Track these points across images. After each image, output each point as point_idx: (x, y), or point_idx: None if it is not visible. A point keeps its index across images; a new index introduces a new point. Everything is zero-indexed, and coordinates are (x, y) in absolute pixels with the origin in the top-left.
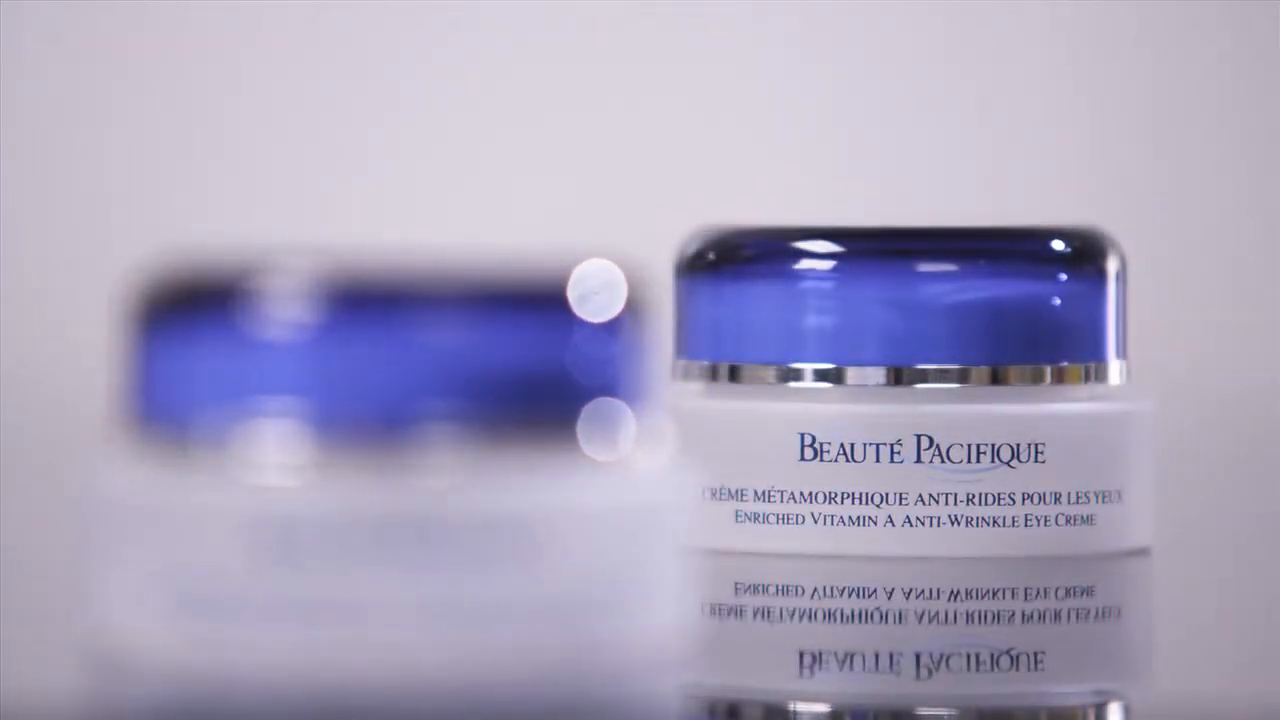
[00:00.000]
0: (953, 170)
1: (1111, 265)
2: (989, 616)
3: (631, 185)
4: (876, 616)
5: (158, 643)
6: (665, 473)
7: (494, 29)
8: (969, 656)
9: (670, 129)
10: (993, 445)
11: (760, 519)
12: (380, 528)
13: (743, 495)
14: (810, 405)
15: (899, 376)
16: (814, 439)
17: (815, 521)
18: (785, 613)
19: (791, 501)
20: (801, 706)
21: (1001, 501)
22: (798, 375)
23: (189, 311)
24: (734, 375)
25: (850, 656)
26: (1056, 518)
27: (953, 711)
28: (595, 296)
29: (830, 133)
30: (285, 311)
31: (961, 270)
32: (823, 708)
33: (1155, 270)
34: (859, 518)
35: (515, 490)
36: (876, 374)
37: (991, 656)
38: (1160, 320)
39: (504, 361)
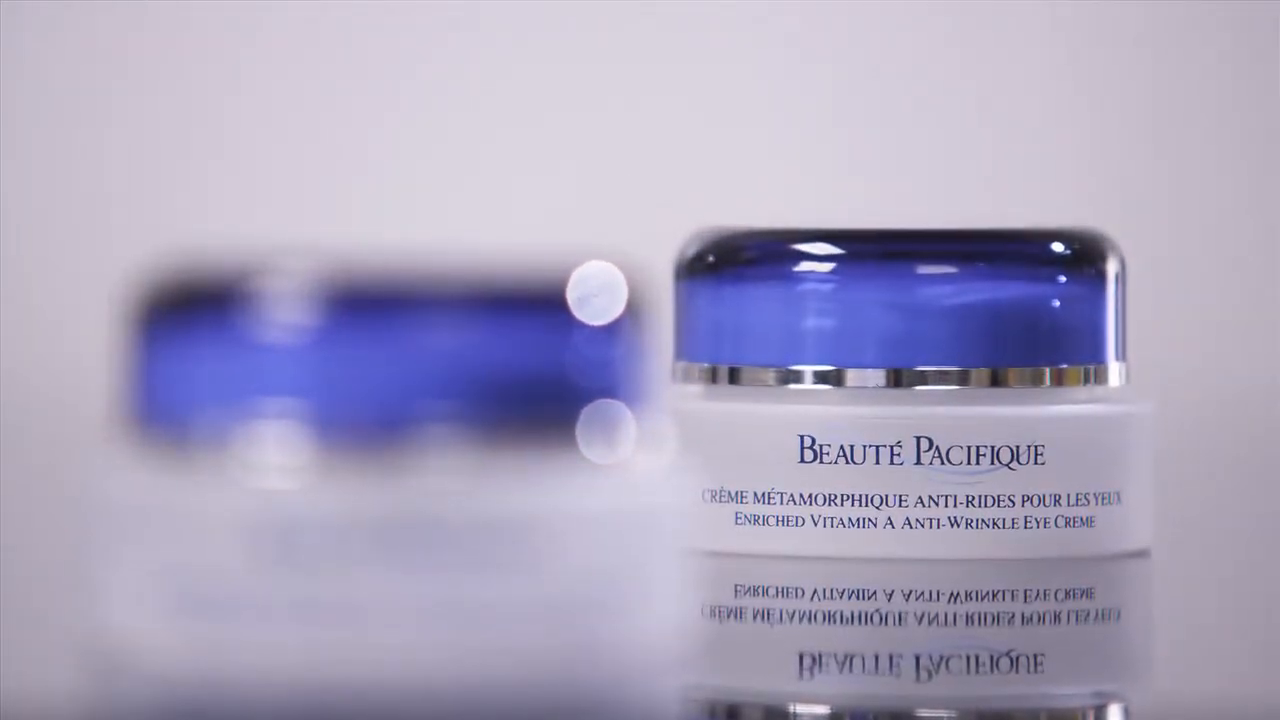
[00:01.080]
0: (952, 172)
1: (1111, 267)
2: (989, 618)
3: (631, 187)
4: (876, 618)
5: (158, 643)
6: (665, 475)
7: (494, 29)
8: (969, 658)
9: (670, 131)
10: (992, 447)
11: (760, 521)
12: (380, 529)
13: (742, 497)
14: (810, 407)
15: (899, 378)
16: (814, 441)
17: (815, 523)
18: (785, 614)
19: (791, 503)
20: (801, 708)
21: (1001, 503)
22: (797, 377)
23: (189, 313)
24: (734, 377)
25: (850, 658)
26: (1056, 519)
27: (952, 713)
28: (595, 298)
29: (830, 134)
30: (285, 313)
31: (961, 272)
32: (822, 709)
33: (1155, 272)
34: (859, 519)
35: (515, 492)
36: (876, 376)
37: (991, 658)
38: (1160, 322)
39: (504, 363)
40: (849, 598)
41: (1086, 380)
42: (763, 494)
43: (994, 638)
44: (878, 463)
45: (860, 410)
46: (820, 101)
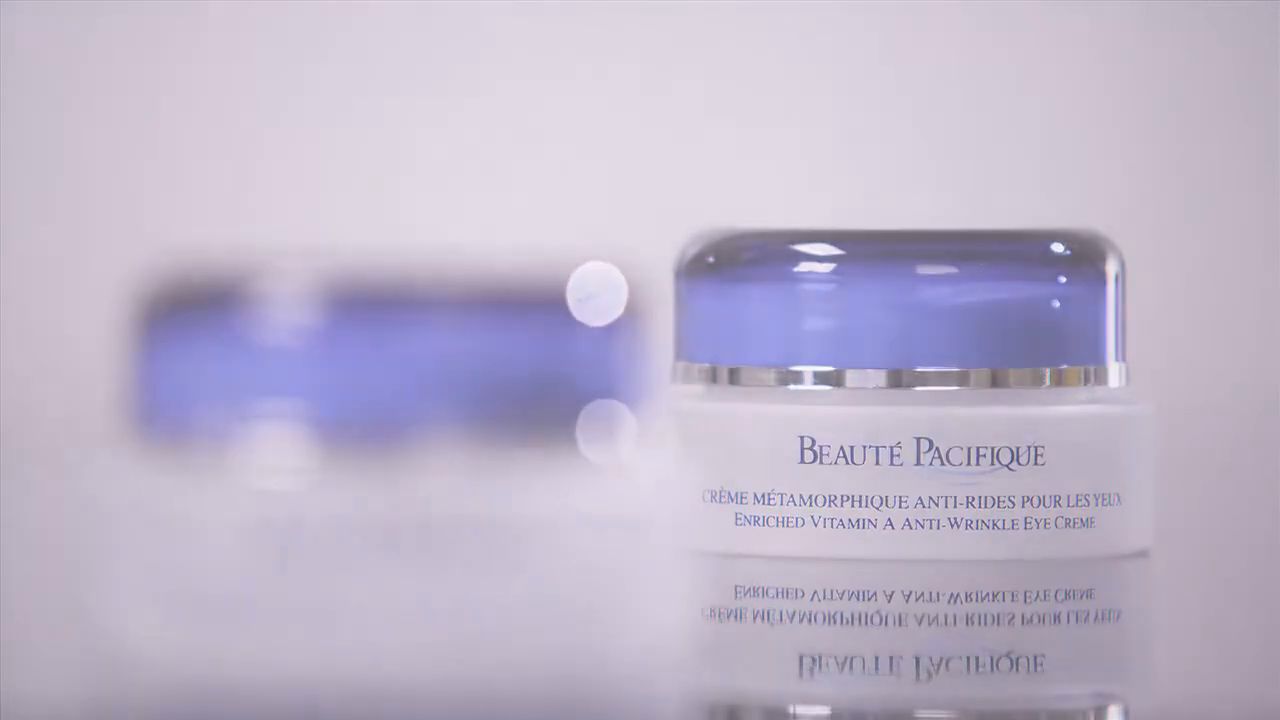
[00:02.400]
0: (952, 173)
1: (1111, 268)
2: (988, 619)
3: (632, 188)
4: (876, 619)
5: (158, 643)
6: (665, 475)
7: (494, 31)
8: (968, 659)
9: (670, 132)
10: (992, 448)
11: (760, 522)
12: (380, 530)
13: (742, 498)
14: (810, 408)
15: (899, 379)
16: (814, 441)
17: (815, 524)
18: (785, 615)
19: (791, 504)
20: (801, 709)
21: (1001, 504)
22: (797, 378)
23: (190, 314)
24: (734, 378)
25: (850, 659)
26: (1056, 520)
27: (952, 714)
28: (595, 299)
29: (830, 136)
30: (285, 314)
31: (961, 273)
32: (822, 710)
33: (1155, 272)
34: (859, 520)
35: (515, 493)
36: (876, 376)
37: (991, 659)
38: (1160, 323)
39: (504, 363)
40: (849, 599)
41: (1086, 381)
42: (763, 495)
43: (994, 639)
44: (878, 463)
45: (860, 411)
46: (820, 102)
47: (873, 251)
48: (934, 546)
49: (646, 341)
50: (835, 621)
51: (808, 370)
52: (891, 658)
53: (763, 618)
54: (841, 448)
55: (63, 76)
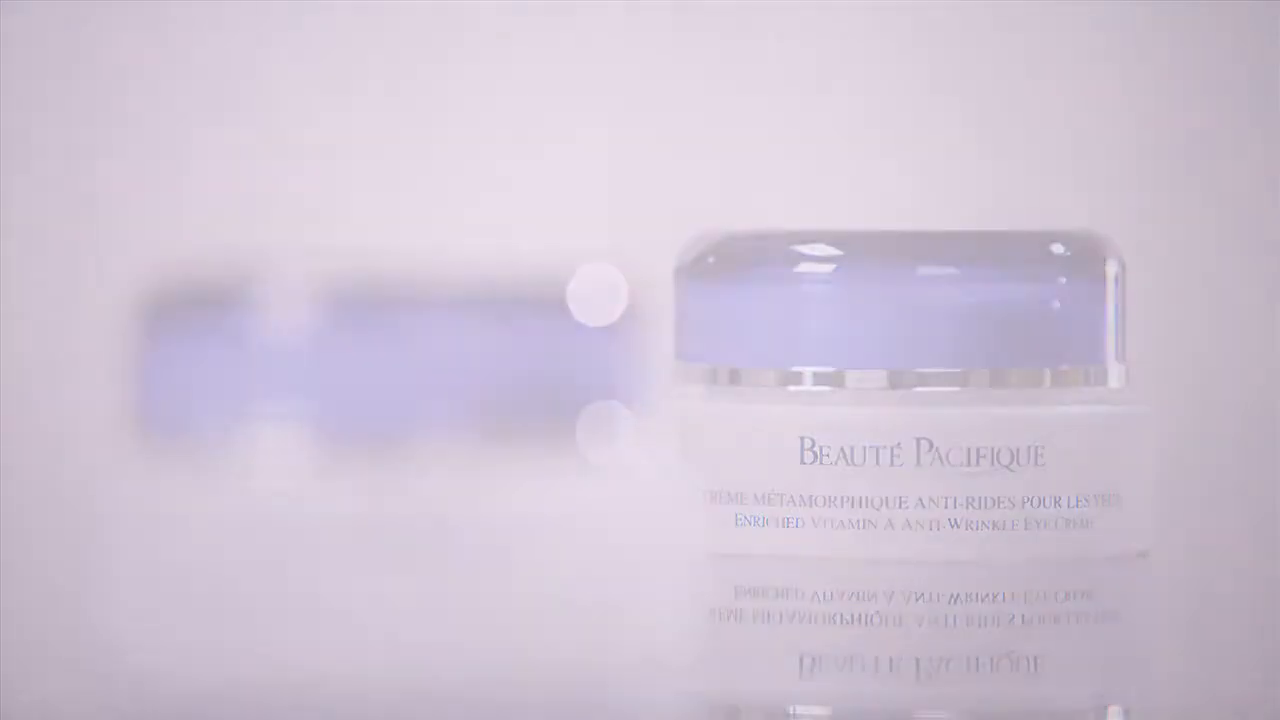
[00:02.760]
0: (952, 173)
1: (1111, 269)
2: (988, 620)
3: (632, 188)
4: (876, 620)
5: (158, 644)
6: (665, 476)
7: (495, 30)
8: (968, 660)
9: (670, 132)
10: (992, 448)
11: (760, 522)
12: (380, 531)
13: (743, 498)
14: (810, 408)
15: (899, 379)
16: (814, 442)
17: (815, 524)
18: (785, 616)
19: (791, 504)
20: (801, 709)
21: (1001, 504)
22: (798, 379)
23: (191, 315)
24: (734, 378)
25: (850, 660)
26: (1056, 521)
27: (951, 715)
28: (595, 299)
29: (831, 136)
30: (286, 315)
31: (961, 274)
32: (822, 711)
33: (1155, 272)
34: (859, 520)
35: (515, 492)
36: (876, 377)
37: (990, 660)
38: (1160, 324)
39: (504, 364)
40: (849, 599)
41: (1086, 381)
42: (763, 495)
43: (993, 639)
44: (878, 464)
45: (860, 411)
46: (821, 102)
47: (873, 251)
48: (934, 546)
49: (646, 341)
50: (835, 622)
51: (808, 371)
52: (891, 658)
53: (763, 618)
54: (842, 448)
55: (63, 77)
